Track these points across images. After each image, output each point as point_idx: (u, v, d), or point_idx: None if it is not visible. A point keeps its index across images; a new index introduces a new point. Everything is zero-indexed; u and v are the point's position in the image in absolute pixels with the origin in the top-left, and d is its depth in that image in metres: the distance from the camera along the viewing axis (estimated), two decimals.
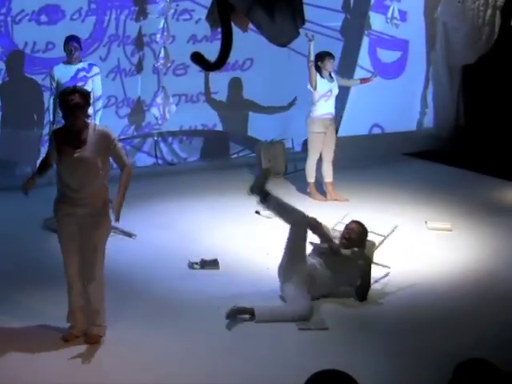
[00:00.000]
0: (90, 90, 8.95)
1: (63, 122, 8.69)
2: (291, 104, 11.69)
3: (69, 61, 9.03)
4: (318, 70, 9.84)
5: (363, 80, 10.58)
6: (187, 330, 6.39)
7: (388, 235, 7.88)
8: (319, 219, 7.27)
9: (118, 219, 6.01)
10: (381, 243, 7.75)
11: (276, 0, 5.97)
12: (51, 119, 9.06)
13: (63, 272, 6.14)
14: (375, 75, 10.64)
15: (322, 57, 9.85)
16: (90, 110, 8.94)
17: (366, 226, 7.34)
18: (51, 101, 9.06)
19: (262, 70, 11.40)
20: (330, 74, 9.98)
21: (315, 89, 9.80)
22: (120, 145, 6.15)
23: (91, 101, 8.97)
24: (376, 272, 7.43)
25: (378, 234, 7.82)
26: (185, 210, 9.38)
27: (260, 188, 7.27)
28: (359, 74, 11.20)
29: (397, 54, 11.77)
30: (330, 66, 9.92)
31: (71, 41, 9.00)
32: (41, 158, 6.38)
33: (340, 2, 11.83)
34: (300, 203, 9.73)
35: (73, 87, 6.32)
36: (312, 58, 9.77)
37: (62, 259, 6.06)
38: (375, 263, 7.41)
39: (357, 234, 7.25)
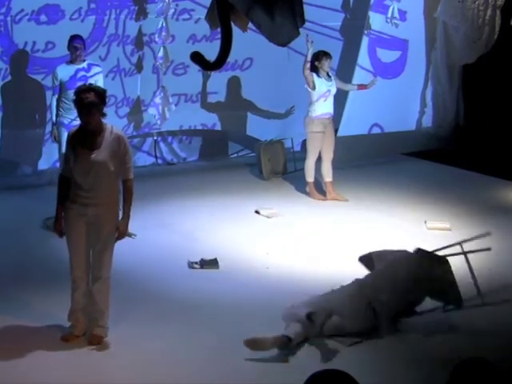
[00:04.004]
0: None
1: (64, 122, 8.81)
2: (289, 112, 11.68)
3: (72, 60, 9.02)
4: (316, 69, 9.84)
5: (361, 86, 10.49)
6: (187, 330, 6.39)
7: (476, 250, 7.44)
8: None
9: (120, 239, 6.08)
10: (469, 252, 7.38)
11: (276, 0, 5.98)
12: (53, 119, 9.05)
13: (66, 271, 6.14)
14: (374, 83, 10.48)
15: (318, 56, 9.83)
16: None
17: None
18: (53, 100, 9.05)
19: (261, 70, 11.39)
20: (328, 74, 9.98)
21: (313, 89, 9.80)
22: (130, 153, 6.09)
23: None
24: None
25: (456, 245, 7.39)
26: (184, 210, 9.37)
27: None
28: (359, 73, 11.19)
29: (396, 54, 11.76)
30: (327, 65, 9.90)
31: (76, 39, 9.00)
32: (59, 175, 6.14)
33: (340, 2, 11.83)
34: (299, 203, 9.81)
35: (88, 85, 6.27)
36: (308, 65, 9.73)
37: (69, 259, 6.05)
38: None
39: None
